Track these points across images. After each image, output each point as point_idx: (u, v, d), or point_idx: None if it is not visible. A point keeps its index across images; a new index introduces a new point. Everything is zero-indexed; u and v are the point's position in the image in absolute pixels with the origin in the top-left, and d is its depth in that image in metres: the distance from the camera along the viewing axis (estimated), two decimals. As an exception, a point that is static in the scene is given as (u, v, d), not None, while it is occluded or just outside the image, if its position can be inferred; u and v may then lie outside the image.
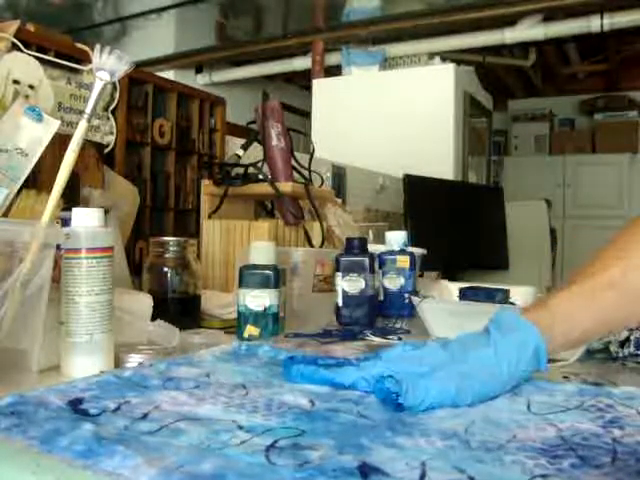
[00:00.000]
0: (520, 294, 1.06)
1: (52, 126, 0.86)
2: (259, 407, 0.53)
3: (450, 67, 3.11)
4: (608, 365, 0.76)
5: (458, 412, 0.54)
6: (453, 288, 1.13)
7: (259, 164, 1.34)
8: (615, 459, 0.43)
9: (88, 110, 0.71)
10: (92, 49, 0.72)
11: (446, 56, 3.45)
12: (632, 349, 0.78)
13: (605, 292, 0.62)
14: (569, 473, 0.41)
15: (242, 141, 1.47)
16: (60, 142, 0.85)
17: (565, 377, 0.68)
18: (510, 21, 3.41)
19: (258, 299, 0.89)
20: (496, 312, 0.63)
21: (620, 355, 0.78)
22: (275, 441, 0.44)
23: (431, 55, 3.48)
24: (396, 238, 1.22)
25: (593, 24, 3.29)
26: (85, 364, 0.66)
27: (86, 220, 0.68)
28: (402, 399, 0.53)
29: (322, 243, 1.33)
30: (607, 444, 0.46)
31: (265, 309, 0.89)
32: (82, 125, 0.70)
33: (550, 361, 0.76)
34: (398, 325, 1.07)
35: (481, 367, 0.57)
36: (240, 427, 0.48)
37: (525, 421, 0.51)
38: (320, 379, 0.61)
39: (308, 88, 3.66)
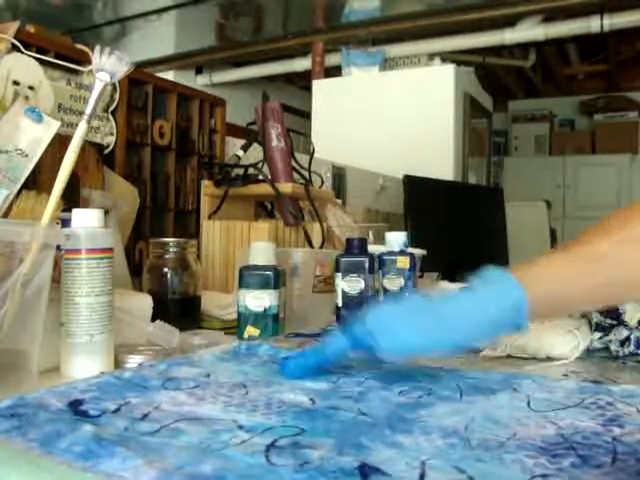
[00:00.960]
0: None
1: (52, 127, 0.86)
2: (259, 406, 0.53)
3: (450, 68, 3.12)
4: (608, 364, 0.75)
5: (458, 409, 0.54)
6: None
7: (259, 165, 1.34)
8: (615, 459, 0.43)
9: (88, 111, 0.71)
10: (92, 50, 0.72)
11: (446, 57, 3.45)
12: (632, 348, 0.78)
13: (592, 263, 0.62)
14: (569, 472, 0.40)
15: (242, 142, 1.47)
16: (60, 143, 0.85)
17: (565, 375, 0.68)
18: (510, 22, 3.41)
19: (258, 300, 0.89)
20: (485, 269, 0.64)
21: (620, 354, 0.78)
22: (275, 440, 0.44)
23: (431, 56, 3.48)
24: (396, 239, 1.22)
25: (593, 24, 3.29)
26: (85, 365, 0.66)
27: (86, 221, 0.68)
28: (374, 341, 0.54)
29: (322, 244, 1.33)
30: (607, 443, 0.46)
31: (265, 310, 0.89)
32: (82, 126, 0.70)
33: (550, 359, 0.76)
34: (398, 325, 1.07)
35: (459, 313, 0.58)
36: (240, 427, 0.48)
37: (525, 418, 0.51)
38: (313, 361, 0.62)
39: (308, 89, 3.66)
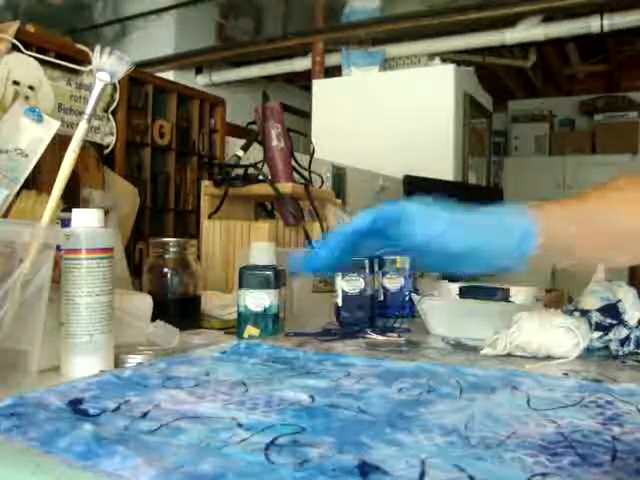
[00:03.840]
0: (520, 294, 1.06)
1: (52, 127, 0.86)
2: (259, 404, 0.53)
3: (450, 68, 3.12)
4: (608, 363, 0.76)
5: (458, 406, 0.54)
6: (453, 288, 1.13)
7: (259, 165, 1.34)
8: (615, 457, 0.43)
9: (88, 111, 0.71)
10: (92, 50, 0.72)
11: (446, 57, 3.45)
12: (632, 347, 0.78)
13: (598, 218, 0.63)
14: (569, 471, 0.40)
15: (242, 142, 1.47)
16: (60, 143, 0.85)
17: (565, 374, 0.68)
18: (510, 22, 3.41)
19: (258, 300, 0.89)
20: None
21: (620, 353, 0.78)
22: (275, 438, 0.44)
23: (431, 56, 3.48)
24: (396, 238, 1.22)
25: (593, 25, 3.29)
26: (85, 365, 0.66)
27: (86, 221, 0.68)
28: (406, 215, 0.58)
29: (322, 243, 1.33)
30: (607, 442, 0.46)
31: (265, 310, 0.89)
32: (82, 126, 0.70)
33: (550, 358, 0.76)
34: (398, 325, 1.07)
35: (477, 221, 0.64)
36: (240, 425, 0.48)
37: (525, 417, 0.51)
38: (340, 234, 0.60)
39: (308, 89, 3.66)
